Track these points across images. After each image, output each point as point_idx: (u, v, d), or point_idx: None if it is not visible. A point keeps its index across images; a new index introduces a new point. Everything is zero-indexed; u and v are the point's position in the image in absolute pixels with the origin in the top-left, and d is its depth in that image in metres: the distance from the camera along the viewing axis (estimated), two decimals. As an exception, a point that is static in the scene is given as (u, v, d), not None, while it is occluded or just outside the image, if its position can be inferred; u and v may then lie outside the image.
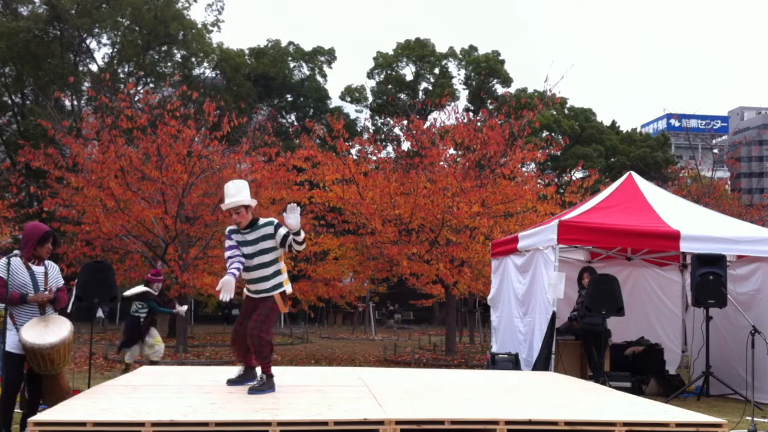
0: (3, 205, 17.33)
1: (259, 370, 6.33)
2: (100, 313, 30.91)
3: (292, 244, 6.13)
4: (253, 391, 6.05)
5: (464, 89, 38.90)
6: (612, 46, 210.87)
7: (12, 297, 5.74)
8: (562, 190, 20.41)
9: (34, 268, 5.93)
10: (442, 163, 16.49)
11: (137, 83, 27.23)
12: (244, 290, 6.35)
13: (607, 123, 39.80)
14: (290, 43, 37.93)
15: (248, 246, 6.15)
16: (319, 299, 18.48)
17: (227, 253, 6.18)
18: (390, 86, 38.03)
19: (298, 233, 6.09)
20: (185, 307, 11.61)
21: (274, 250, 6.20)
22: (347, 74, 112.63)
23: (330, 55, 38.22)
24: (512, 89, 37.29)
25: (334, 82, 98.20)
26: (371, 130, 33.90)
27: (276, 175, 15.38)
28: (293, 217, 6.01)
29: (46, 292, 5.86)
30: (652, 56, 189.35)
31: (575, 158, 30.73)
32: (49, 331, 5.71)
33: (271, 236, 6.14)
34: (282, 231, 6.12)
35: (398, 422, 4.89)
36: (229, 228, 6.28)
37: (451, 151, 17.41)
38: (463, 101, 38.31)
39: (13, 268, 5.81)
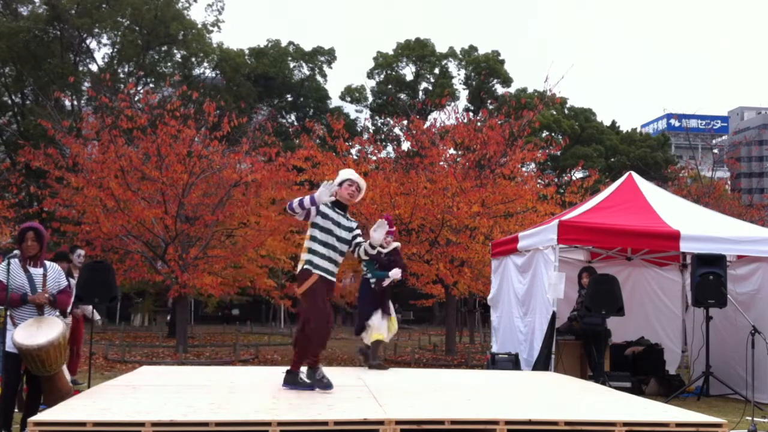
0: (3, 205, 17.33)
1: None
2: (96, 317, 30.93)
3: (360, 248, 6.31)
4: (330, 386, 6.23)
5: (464, 89, 38.93)
6: (612, 46, 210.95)
7: (12, 299, 5.74)
8: (562, 190, 20.41)
9: (32, 270, 5.91)
10: (442, 163, 16.48)
11: (137, 83, 27.24)
12: (316, 271, 6.19)
13: (607, 123, 39.82)
14: (290, 43, 37.97)
15: (338, 228, 6.29)
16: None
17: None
18: (390, 86, 38.03)
19: (373, 247, 6.28)
20: (397, 273, 8.77)
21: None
22: (347, 74, 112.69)
23: (330, 55, 38.22)
24: (512, 89, 37.31)
25: (334, 82, 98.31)
26: (371, 130, 33.89)
27: (276, 175, 15.38)
28: (380, 233, 6.18)
29: (45, 294, 5.85)
30: (652, 56, 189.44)
31: (575, 158, 30.73)
32: (39, 332, 5.67)
33: (351, 230, 6.36)
34: (358, 231, 6.39)
35: (398, 422, 4.89)
36: (327, 200, 6.20)
37: (451, 151, 17.41)
38: (463, 101, 38.35)
39: (11, 270, 5.80)
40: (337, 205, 6.32)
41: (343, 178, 6.42)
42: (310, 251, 6.23)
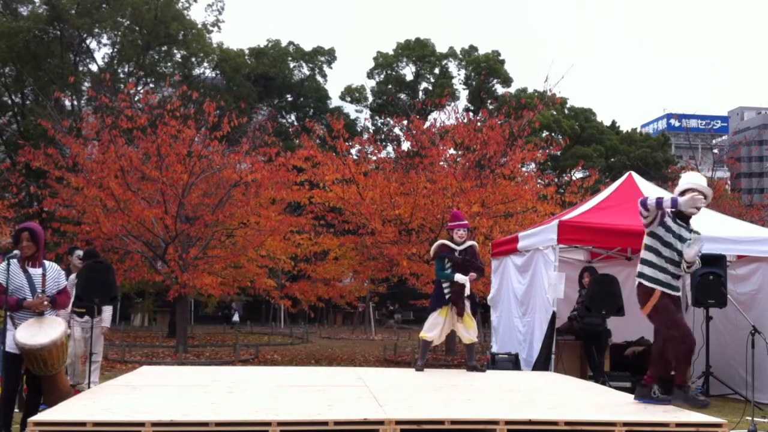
0: (3, 205, 17.31)
1: None
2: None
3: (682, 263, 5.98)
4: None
5: (464, 89, 38.90)
6: (612, 46, 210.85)
7: (9, 303, 5.74)
8: (562, 190, 20.41)
9: (31, 270, 5.91)
10: (442, 163, 16.48)
11: (137, 83, 27.21)
12: (657, 287, 6.00)
13: (607, 123, 39.79)
14: (290, 43, 37.96)
15: (679, 242, 5.94)
16: (319, 299, 18.47)
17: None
18: (390, 86, 38.00)
19: (689, 264, 5.94)
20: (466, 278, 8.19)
21: None
22: (347, 74, 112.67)
23: (330, 55, 38.22)
24: (512, 89, 37.27)
25: (334, 82, 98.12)
26: (371, 130, 33.87)
27: (276, 175, 15.38)
28: (693, 249, 5.83)
29: (42, 295, 5.83)
30: (652, 56, 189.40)
31: (575, 158, 30.71)
32: (41, 332, 5.68)
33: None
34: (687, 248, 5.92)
35: (398, 422, 4.89)
36: (691, 211, 5.93)
37: (451, 151, 17.42)
38: (463, 101, 38.32)
39: (10, 270, 5.80)
40: (678, 216, 5.96)
41: (688, 186, 5.99)
42: (648, 264, 6.01)
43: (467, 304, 8.31)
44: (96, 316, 8.55)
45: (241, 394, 6.00)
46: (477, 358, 15.47)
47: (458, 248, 8.25)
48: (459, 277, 8.10)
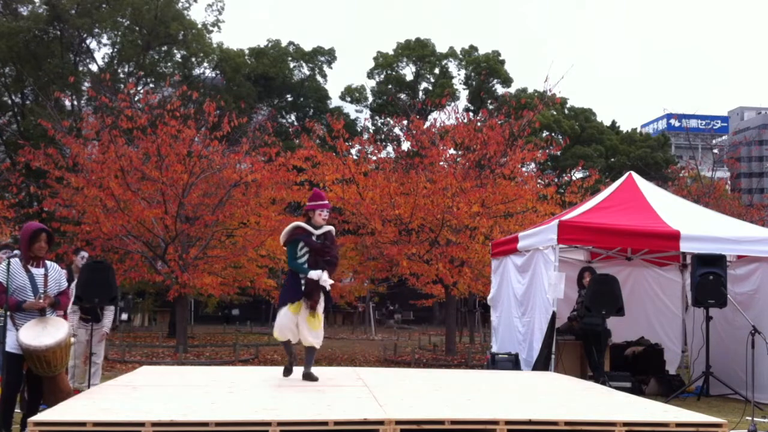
0: (3, 205, 17.31)
1: None
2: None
3: None
4: None
5: (464, 89, 38.89)
6: (612, 46, 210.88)
7: (9, 304, 5.74)
8: (562, 190, 20.40)
9: (33, 270, 5.90)
10: (442, 163, 16.48)
11: (137, 83, 27.21)
12: None
13: (607, 123, 39.78)
14: (290, 43, 37.95)
15: None
16: (319, 299, 18.44)
17: None
18: (390, 86, 38.01)
19: None
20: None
21: None
22: (347, 74, 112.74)
23: (330, 55, 38.22)
24: (512, 89, 37.26)
25: (334, 82, 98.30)
26: (371, 130, 33.86)
27: (276, 175, 15.38)
28: None
29: (41, 300, 5.82)
30: (652, 56, 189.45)
31: (575, 158, 30.71)
32: (45, 333, 5.68)
33: None
34: None
35: (398, 422, 4.89)
36: None
37: (451, 151, 17.41)
38: (463, 101, 38.30)
39: (12, 270, 5.80)
40: None
41: None
42: None
43: (321, 299, 7.00)
44: (100, 319, 8.54)
45: (241, 394, 6.00)
46: (476, 358, 15.50)
47: (316, 232, 6.92)
48: (313, 274, 6.79)
